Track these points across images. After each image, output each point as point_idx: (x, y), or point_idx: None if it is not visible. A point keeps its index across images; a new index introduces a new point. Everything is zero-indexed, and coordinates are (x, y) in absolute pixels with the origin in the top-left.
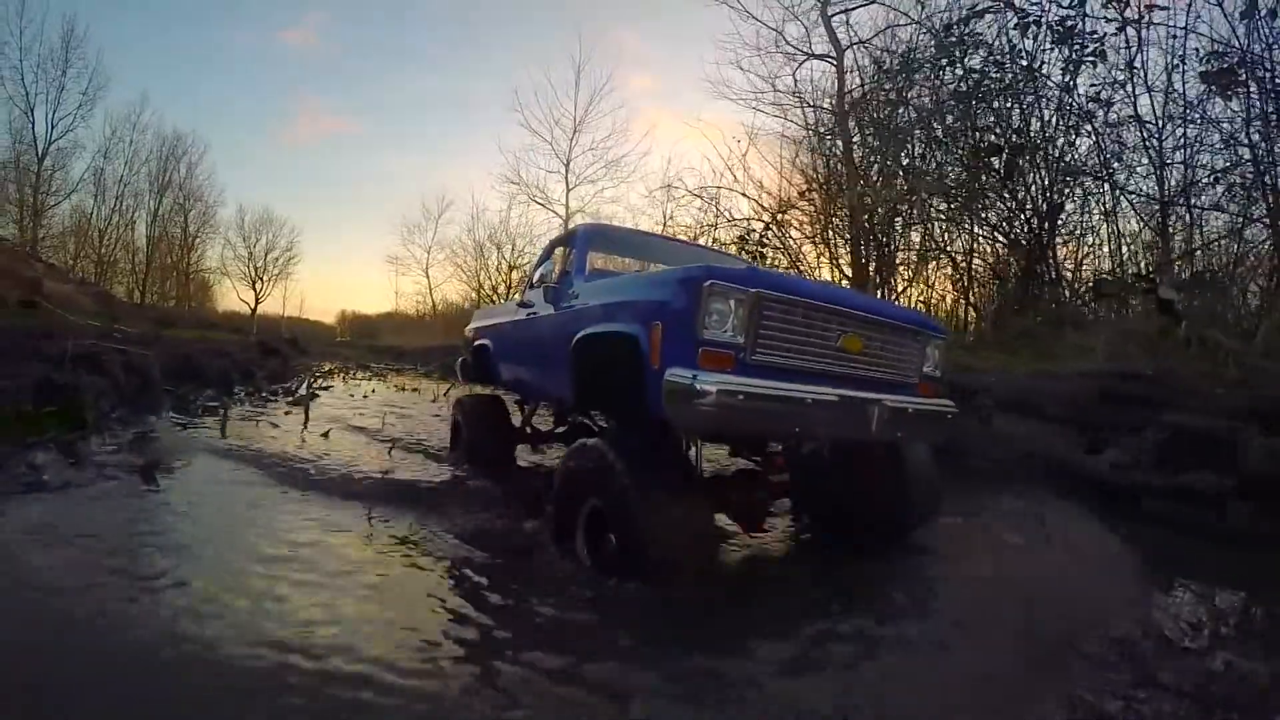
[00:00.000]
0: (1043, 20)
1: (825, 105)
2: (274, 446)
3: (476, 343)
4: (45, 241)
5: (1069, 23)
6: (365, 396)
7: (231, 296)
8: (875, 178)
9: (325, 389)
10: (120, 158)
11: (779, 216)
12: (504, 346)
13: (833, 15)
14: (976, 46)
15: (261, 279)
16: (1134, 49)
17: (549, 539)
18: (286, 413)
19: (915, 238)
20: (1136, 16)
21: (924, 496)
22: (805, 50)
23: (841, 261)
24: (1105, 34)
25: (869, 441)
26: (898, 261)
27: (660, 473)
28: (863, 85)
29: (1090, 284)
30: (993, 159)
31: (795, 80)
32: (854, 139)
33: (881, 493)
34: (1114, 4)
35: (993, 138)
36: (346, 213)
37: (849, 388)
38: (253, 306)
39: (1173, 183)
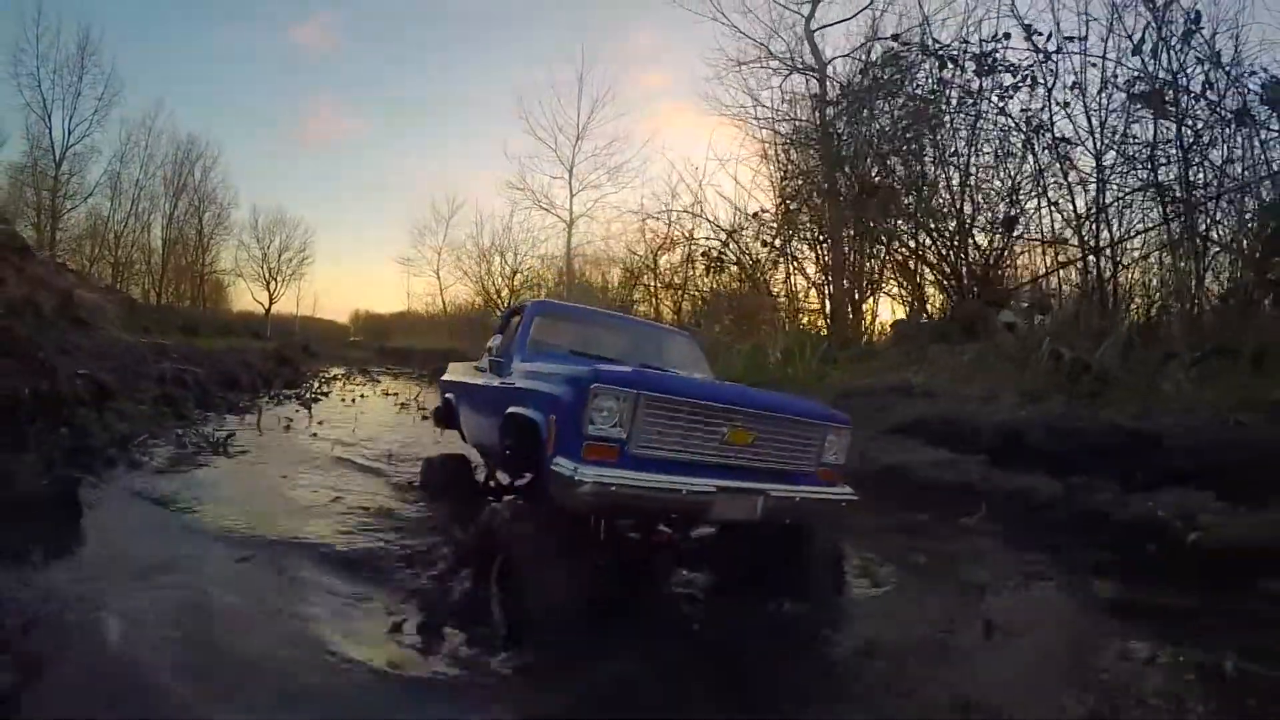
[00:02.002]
0: (960, 59)
1: (803, 119)
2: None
3: (445, 395)
4: (62, 244)
5: (993, 56)
6: (353, 402)
7: (246, 297)
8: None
9: (324, 394)
10: (136, 162)
11: (734, 234)
12: (462, 405)
13: (815, 30)
14: (895, 92)
15: (275, 279)
16: (1052, 80)
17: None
18: (296, 410)
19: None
20: (1055, 48)
21: (824, 570)
22: (789, 65)
23: (809, 269)
24: (1034, 62)
25: (756, 524)
26: (863, 275)
27: (555, 535)
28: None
29: (956, 307)
30: (870, 198)
31: (783, 94)
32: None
33: (784, 563)
34: (1034, 35)
35: (880, 177)
36: (360, 212)
37: (737, 477)
38: (267, 307)
39: (1094, 201)
